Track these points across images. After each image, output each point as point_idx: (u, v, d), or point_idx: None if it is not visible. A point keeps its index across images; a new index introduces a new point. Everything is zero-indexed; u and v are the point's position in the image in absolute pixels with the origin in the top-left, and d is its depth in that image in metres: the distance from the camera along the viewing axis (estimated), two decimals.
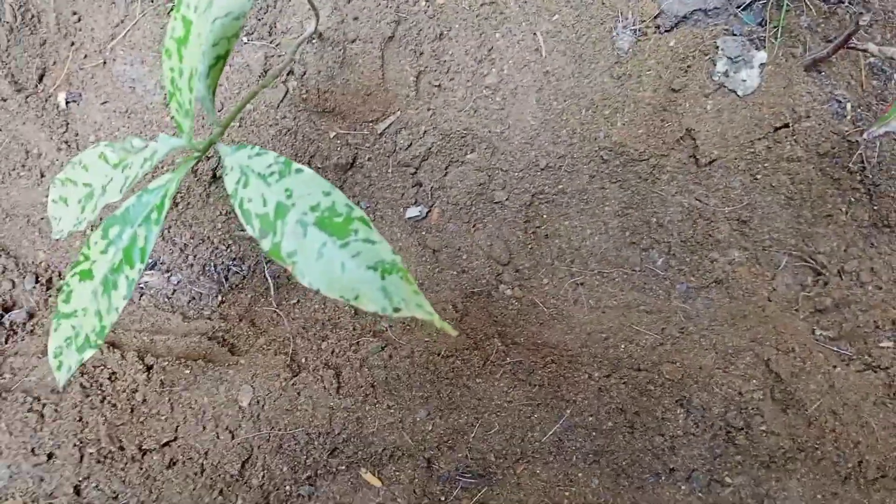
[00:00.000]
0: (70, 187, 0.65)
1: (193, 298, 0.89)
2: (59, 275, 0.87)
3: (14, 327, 0.84)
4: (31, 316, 0.84)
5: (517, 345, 0.86)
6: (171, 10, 0.89)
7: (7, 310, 0.85)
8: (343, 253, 0.54)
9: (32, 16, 0.92)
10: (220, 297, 0.88)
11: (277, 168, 0.55)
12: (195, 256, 0.89)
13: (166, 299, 0.89)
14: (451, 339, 0.86)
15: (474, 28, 0.97)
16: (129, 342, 0.80)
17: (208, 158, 0.87)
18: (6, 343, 0.82)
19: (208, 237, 0.90)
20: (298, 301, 0.85)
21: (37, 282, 0.86)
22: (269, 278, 0.86)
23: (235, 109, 0.61)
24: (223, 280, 0.90)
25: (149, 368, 0.79)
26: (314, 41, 0.90)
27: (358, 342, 0.84)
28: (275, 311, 0.84)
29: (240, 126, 0.90)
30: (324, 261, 0.54)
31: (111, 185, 0.62)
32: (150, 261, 0.91)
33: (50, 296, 0.86)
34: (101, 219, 0.66)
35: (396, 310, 0.55)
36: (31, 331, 0.83)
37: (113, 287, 0.59)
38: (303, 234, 0.54)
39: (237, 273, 0.90)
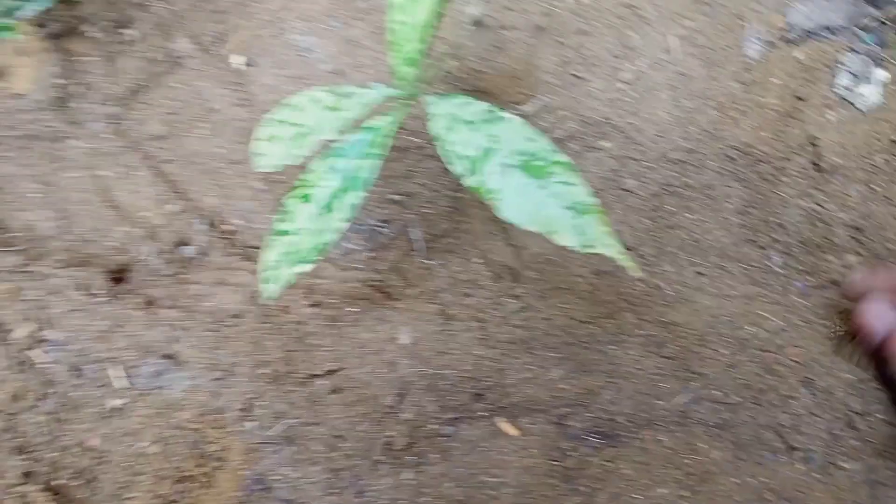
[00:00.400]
0: (281, 127, 0.73)
1: (345, 253, 0.96)
2: (225, 219, 0.95)
3: (187, 261, 0.92)
4: (202, 253, 0.93)
5: (646, 321, 0.91)
6: None
7: (181, 245, 0.93)
8: (542, 193, 0.60)
9: None
10: (368, 254, 0.95)
11: (485, 116, 0.62)
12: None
13: None
14: (586, 307, 0.92)
15: (613, 27, 1.04)
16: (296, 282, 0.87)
17: None
18: (185, 272, 0.90)
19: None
20: (443, 263, 0.92)
21: (206, 224, 0.94)
22: (416, 240, 0.93)
23: (433, 70, 0.68)
24: (371, 239, 0.97)
25: (315, 305, 0.87)
26: (473, 26, 0.98)
27: (499, 302, 0.90)
28: (423, 268, 0.91)
29: None
30: (524, 199, 0.60)
31: (325, 125, 0.70)
32: None
33: (214, 236, 0.94)
34: (306, 156, 0.73)
35: (588, 246, 0.61)
36: (203, 265, 0.91)
37: (334, 209, 0.66)
38: (505, 175, 0.61)
39: (384, 234, 0.97)
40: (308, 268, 0.68)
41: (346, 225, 0.66)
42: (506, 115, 0.62)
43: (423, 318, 0.87)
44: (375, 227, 0.98)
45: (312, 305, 0.87)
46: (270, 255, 0.69)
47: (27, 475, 0.80)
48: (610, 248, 0.61)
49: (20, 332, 0.83)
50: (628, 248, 0.98)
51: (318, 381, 0.84)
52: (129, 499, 0.81)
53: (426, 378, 0.84)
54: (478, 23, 0.95)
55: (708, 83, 1.07)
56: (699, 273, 0.98)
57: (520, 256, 0.97)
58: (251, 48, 0.99)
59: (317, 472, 0.82)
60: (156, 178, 0.96)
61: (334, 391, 0.83)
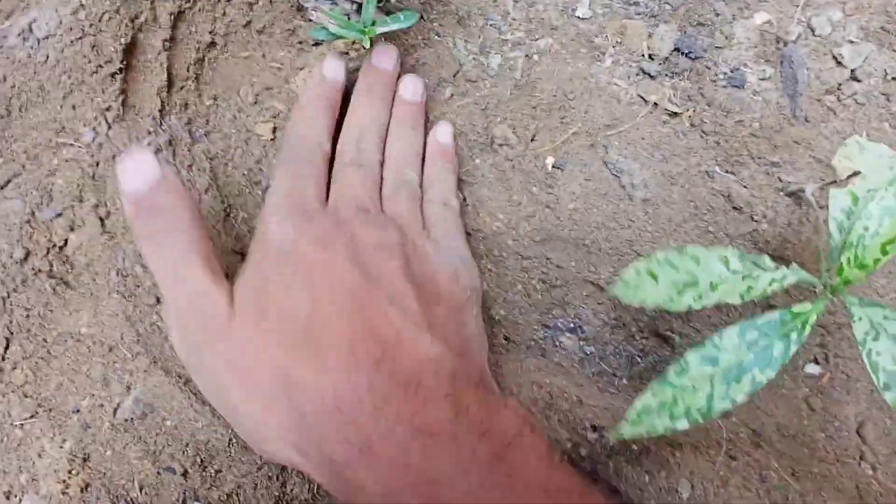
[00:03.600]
0: (666, 268, 0.74)
1: (599, 373, 0.96)
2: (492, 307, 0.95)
3: None
4: None
5: None
6: (671, 118, 1.00)
7: None
8: None
9: (532, 80, 1.04)
10: (624, 381, 0.95)
11: None
12: (611, 336, 0.97)
13: (574, 364, 0.97)
14: None
15: None
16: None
17: None
18: None
19: (628, 324, 0.98)
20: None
21: None
22: None
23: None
24: (628, 366, 0.97)
25: (596, 429, 0.86)
26: (788, 197, 0.99)
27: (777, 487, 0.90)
28: None
29: None
30: None
31: (726, 288, 0.70)
32: (573, 325, 0.99)
33: None
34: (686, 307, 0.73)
35: None
36: None
37: (736, 381, 0.66)
38: None
39: (638, 364, 0.97)
40: (685, 425, 0.67)
41: (744, 398, 0.66)
42: None
43: (702, 476, 0.86)
44: (633, 356, 0.99)
45: (594, 429, 0.86)
46: (651, 401, 0.69)
47: None
48: None
49: None
50: None
51: None
52: None
53: None
54: (795, 196, 0.96)
55: None
56: None
57: (766, 425, 0.96)
58: (562, 152, 1.01)
59: None
60: None
61: None
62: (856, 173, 0.73)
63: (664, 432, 0.69)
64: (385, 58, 0.79)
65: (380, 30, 0.87)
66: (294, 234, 0.60)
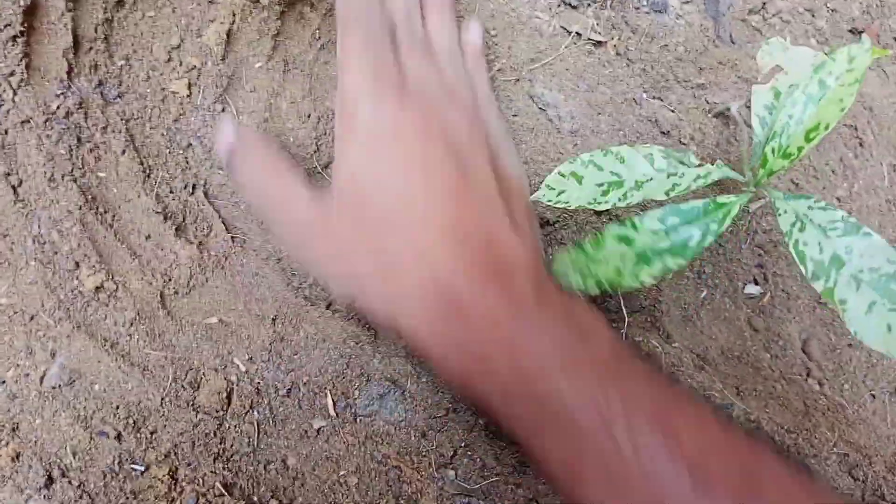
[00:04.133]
0: (591, 169, 0.73)
1: None
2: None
3: None
4: None
5: (839, 440, 0.91)
6: (595, 47, 0.99)
7: None
8: (892, 315, 0.60)
9: None
10: None
11: (843, 226, 0.62)
12: None
13: None
14: (787, 415, 0.91)
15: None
16: None
17: None
18: None
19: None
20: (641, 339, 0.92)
21: None
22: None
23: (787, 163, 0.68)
24: None
25: None
26: (715, 118, 0.99)
27: (706, 394, 0.90)
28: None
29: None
30: (871, 316, 0.60)
31: (651, 185, 0.70)
32: None
33: None
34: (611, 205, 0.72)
35: None
36: None
37: (646, 262, 0.66)
38: (855, 289, 0.61)
39: None
40: (595, 291, 0.69)
41: (651, 281, 0.66)
42: (867, 230, 0.62)
43: None
44: None
45: None
46: (566, 259, 0.70)
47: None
48: None
49: None
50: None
51: None
52: None
53: None
54: (722, 115, 0.96)
55: None
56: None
57: (710, 348, 0.97)
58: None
59: None
60: None
61: None
62: (777, 68, 0.73)
63: (577, 289, 0.68)
64: None
65: None
66: (392, 117, 0.62)
